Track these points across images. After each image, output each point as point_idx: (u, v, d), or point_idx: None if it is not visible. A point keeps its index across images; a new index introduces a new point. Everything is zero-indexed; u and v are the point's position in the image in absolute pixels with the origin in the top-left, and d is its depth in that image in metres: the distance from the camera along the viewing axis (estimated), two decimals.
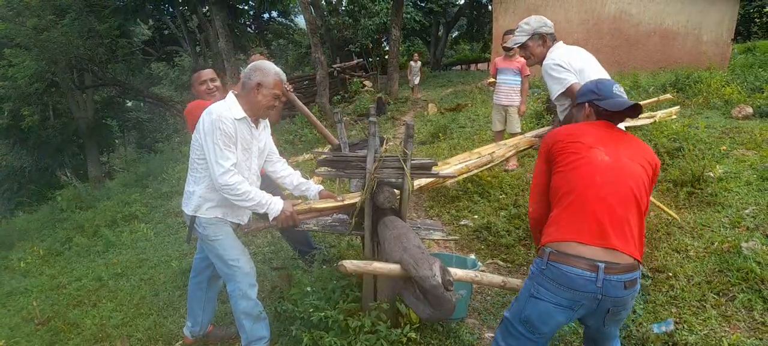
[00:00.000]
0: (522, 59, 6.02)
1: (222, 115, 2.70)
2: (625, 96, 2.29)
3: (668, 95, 6.17)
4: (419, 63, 17.85)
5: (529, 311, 2.08)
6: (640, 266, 2.08)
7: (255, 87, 2.81)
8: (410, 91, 17.73)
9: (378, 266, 2.22)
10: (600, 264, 1.93)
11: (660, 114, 5.43)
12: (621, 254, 1.97)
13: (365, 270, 2.22)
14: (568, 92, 3.14)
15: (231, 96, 2.86)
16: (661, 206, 4.29)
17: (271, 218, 2.85)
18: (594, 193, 2.03)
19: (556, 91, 3.21)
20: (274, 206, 2.82)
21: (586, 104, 2.34)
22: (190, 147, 2.96)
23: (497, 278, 2.61)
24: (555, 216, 2.13)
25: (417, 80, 17.59)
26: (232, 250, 3.01)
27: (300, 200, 3.07)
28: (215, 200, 2.91)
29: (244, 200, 2.76)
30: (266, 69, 2.85)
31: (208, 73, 3.87)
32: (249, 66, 2.91)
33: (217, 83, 3.88)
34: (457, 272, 2.40)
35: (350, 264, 2.14)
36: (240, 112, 2.80)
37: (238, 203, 2.80)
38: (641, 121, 5.07)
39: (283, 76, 2.92)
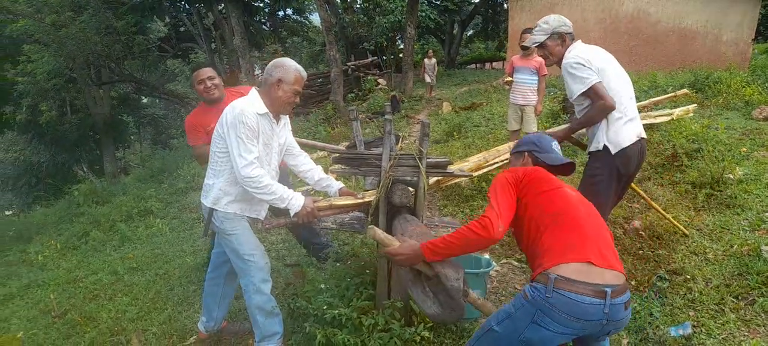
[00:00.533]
0: (539, 59, 5.95)
1: (245, 109, 2.74)
2: (561, 154, 2.52)
3: (685, 90, 6.07)
4: (434, 60, 16.80)
5: (529, 335, 1.97)
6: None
7: (276, 83, 2.84)
8: (425, 89, 17.06)
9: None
10: (607, 289, 1.87)
11: (678, 112, 5.36)
12: (619, 274, 1.95)
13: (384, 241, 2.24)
14: (591, 92, 3.06)
15: (254, 92, 2.90)
16: (672, 219, 4.23)
17: (292, 213, 2.86)
18: (580, 215, 2.08)
19: (576, 90, 3.12)
20: (296, 201, 2.84)
21: (526, 153, 2.51)
22: (211, 140, 2.98)
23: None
24: (549, 240, 2.03)
25: (433, 78, 16.70)
26: (248, 245, 3.03)
27: (320, 196, 3.07)
28: (234, 194, 2.95)
29: (266, 193, 2.79)
30: (287, 65, 2.88)
31: (206, 71, 3.81)
32: (270, 63, 2.93)
33: (216, 81, 3.82)
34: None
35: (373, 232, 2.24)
36: (263, 107, 2.83)
37: (259, 197, 2.82)
38: (659, 118, 5.00)
39: (304, 72, 2.95)
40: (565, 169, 2.48)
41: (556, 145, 2.52)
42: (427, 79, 16.73)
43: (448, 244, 2.05)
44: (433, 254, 2.06)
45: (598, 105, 3.07)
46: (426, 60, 16.81)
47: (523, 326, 1.97)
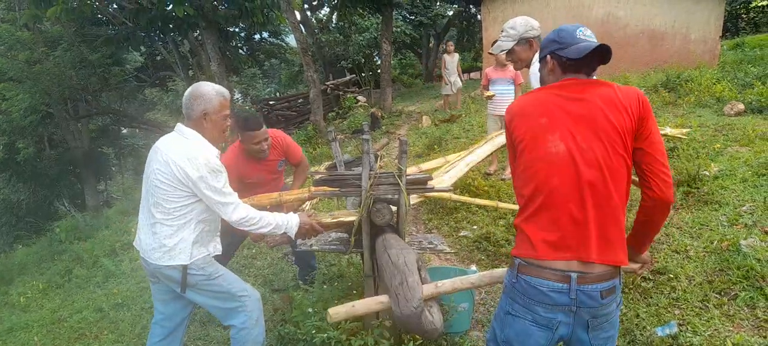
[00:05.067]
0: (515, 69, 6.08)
1: (208, 155, 2.55)
2: (594, 38, 1.90)
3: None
4: (456, 56, 12.57)
5: (507, 332, 1.91)
6: (620, 271, 1.86)
7: (201, 117, 2.62)
8: (443, 102, 13.58)
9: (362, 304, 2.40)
10: (572, 274, 1.75)
11: (669, 130, 5.47)
12: (595, 264, 1.77)
13: (353, 313, 2.34)
14: None
15: (193, 133, 2.63)
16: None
17: (292, 235, 2.83)
18: (556, 199, 1.79)
19: None
20: (291, 222, 2.82)
21: (548, 57, 1.97)
22: (154, 199, 2.65)
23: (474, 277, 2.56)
24: (522, 225, 1.88)
25: (457, 84, 12.53)
26: (238, 281, 2.90)
27: (314, 211, 3.06)
28: (202, 238, 2.73)
29: (262, 226, 2.72)
30: (207, 94, 2.62)
31: (263, 133, 3.62)
32: (186, 93, 2.67)
33: (270, 141, 3.71)
34: (444, 283, 2.43)
35: (335, 312, 2.32)
36: (214, 146, 2.67)
37: (256, 231, 2.75)
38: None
39: (226, 92, 2.72)
40: (599, 56, 1.87)
41: (582, 31, 1.91)
42: (447, 88, 12.54)
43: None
44: None
45: None
46: (446, 57, 12.46)
47: (501, 321, 1.95)
